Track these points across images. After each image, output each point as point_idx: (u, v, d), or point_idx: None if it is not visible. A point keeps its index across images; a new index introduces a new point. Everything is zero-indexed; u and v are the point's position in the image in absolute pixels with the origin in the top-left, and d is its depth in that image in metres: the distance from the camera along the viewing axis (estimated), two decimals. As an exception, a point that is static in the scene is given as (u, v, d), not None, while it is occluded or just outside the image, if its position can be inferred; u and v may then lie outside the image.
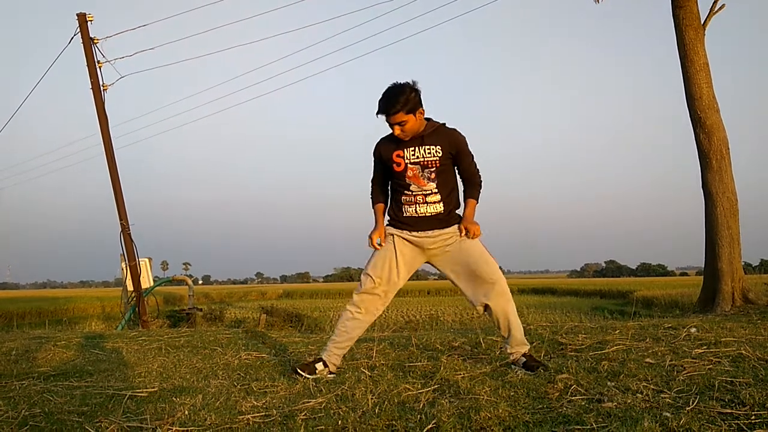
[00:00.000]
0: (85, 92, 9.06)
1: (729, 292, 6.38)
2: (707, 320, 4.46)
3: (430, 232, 2.93)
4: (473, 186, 3.05)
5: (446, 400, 2.31)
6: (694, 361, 2.75)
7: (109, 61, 9.05)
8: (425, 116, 2.92)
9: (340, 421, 2.08)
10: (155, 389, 2.82)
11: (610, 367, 2.72)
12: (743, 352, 2.86)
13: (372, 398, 2.40)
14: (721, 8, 6.90)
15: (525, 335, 3.03)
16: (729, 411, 1.94)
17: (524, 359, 2.90)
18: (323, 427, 2.05)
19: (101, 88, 9.01)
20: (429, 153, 2.88)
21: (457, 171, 3.03)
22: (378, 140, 3.06)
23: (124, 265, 9.49)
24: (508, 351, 2.96)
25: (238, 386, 2.84)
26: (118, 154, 9.15)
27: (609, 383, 2.43)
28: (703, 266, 7.14)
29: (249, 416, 2.23)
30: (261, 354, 3.81)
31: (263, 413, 2.27)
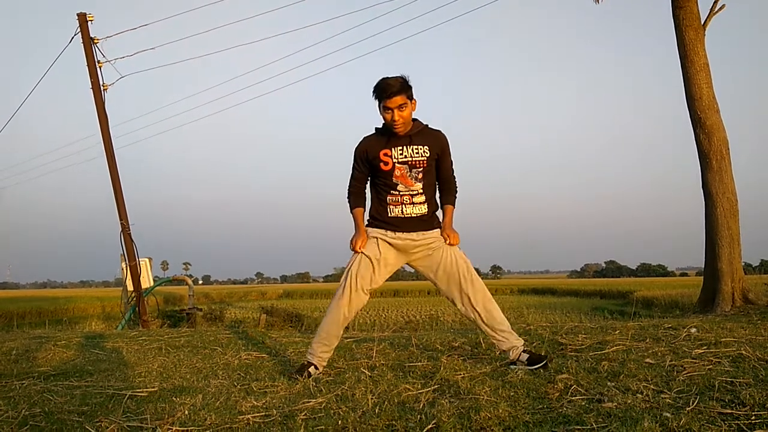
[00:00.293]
0: (85, 92, 9.08)
1: (729, 292, 6.38)
2: (707, 320, 4.46)
3: (414, 234, 2.93)
4: (450, 192, 3.05)
5: (446, 400, 2.31)
6: (694, 361, 2.75)
7: (109, 61, 9.06)
8: (412, 117, 2.92)
9: (340, 421, 2.08)
10: (155, 389, 2.82)
11: (610, 367, 2.72)
12: (743, 352, 2.86)
13: (372, 398, 2.40)
14: (721, 8, 6.90)
15: (525, 335, 3.03)
16: (729, 411, 1.94)
17: (527, 355, 2.90)
18: (323, 427, 2.05)
19: (101, 87, 9.01)
20: (417, 153, 2.87)
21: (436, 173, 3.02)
22: (361, 139, 3.01)
23: (124, 265, 9.50)
24: (504, 348, 2.95)
25: (238, 386, 2.84)
26: (118, 154, 9.17)
27: (609, 383, 2.43)
28: (703, 266, 7.14)
29: (249, 416, 2.23)
30: (261, 354, 3.81)
31: (263, 413, 2.27)
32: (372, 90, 2.85)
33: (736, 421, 1.84)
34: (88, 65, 8.94)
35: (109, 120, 9.07)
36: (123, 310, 11.17)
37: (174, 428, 2.14)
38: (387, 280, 3.14)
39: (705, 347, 3.08)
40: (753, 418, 1.86)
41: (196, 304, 16.08)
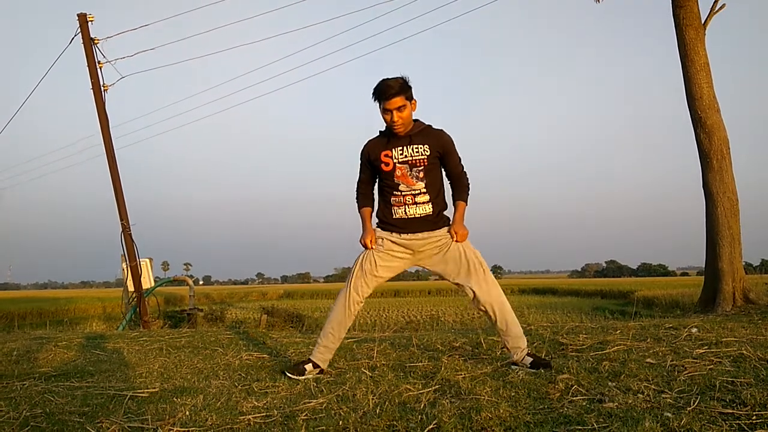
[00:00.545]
0: (85, 92, 9.09)
1: (730, 292, 6.37)
2: (708, 320, 4.45)
3: (419, 234, 2.93)
4: (461, 188, 3.05)
5: (447, 401, 2.31)
6: (695, 361, 2.75)
7: (109, 62, 9.06)
8: (413, 118, 2.93)
9: (341, 422, 2.08)
10: (156, 390, 2.83)
11: (611, 367, 2.72)
12: (744, 352, 2.86)
13: (373, 398, 2.40)
14: (721, 8, 6.89)
15: (526, 335, 3.03)
16: (730, 411, 1.94)
17: (531, 359, 2.90)
18: (324, 427, 2.05)
19: (102, 88, 9.02)
20: (417, 152, 2.89)
21: (444, 172, 3.03)
22: (365, 142, 3.06)
23: (124, 266, 9.50)
24: (510, 347, 2.95)
25: (239, 387, 2.84)
26: (118, 154, 9.17)
27: (610, 383, 2.43)
28: (703, 266, 7.14)
29: (250, 417, 2.24)
30: (262, 354, 3.81)
31: (264, 414, 2.28)
32: (372, 91, 2.87)
33: (737, 421, 1.84)
34: (88, 66, 8.94)
35: (109, 120, 9.08)
36: (124, 311, 11.18)
37: (175, 429, 2.14)
38: (389, 281, 3.16)
39: (706, 347, 3.08)
40: (754, 417, 1.86)
41: (196, 304, 16.09)
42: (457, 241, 2.93)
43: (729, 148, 6.65)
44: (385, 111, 2.84)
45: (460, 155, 3.02)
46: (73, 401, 2.63)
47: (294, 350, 3.94)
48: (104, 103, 9.01)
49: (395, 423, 2.05)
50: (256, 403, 2.43)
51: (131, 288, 9.46)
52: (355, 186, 3.16)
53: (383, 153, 2.93)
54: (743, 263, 6.74)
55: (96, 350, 4.29)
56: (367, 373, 2.95)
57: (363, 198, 3.14)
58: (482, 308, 2.95)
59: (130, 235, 9.00)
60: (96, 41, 8.99)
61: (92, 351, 4.26)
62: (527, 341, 3.02)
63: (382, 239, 2.98)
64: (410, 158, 2.88)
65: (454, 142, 2.99)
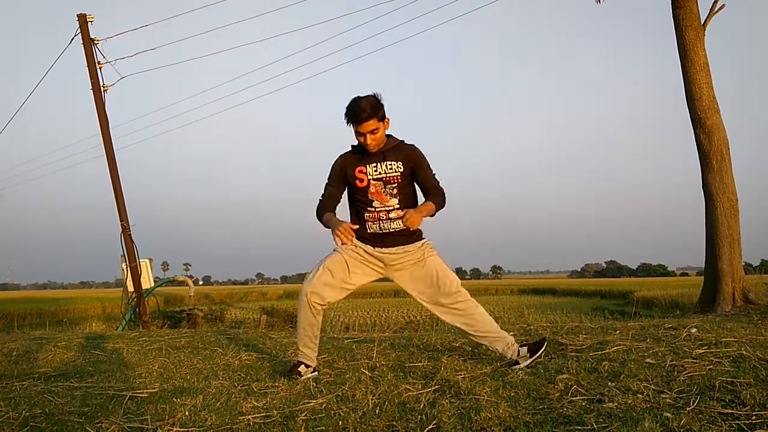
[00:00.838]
0: (85, 93, 9.09)
1: (729, 292, 6.38)
2: (708, 320, 4.45)
3: (393, 249, 2.95)
4: (437, 194, 2.94)
5: (447, 401, 2.31)
6: (695, 361, 2.75)
7: (109, 62, 9.06)
8: (386, 133, 2.93)
9: (340, 422, 2.08)
10: (156, 390, 2.83)
11: (611, 367, 2.72)
12: (744, 352, 2.86)
13: (372, 399, 2.40)
14: (721, 8, 6.90)
15: (525, 335, 3.04)
16: (730, 411, 1.94)
17: (525, 348, 2.96)
18: (324, 427, 2.05)
19: (101, 88, 9.02)
20: (391, 168, 2.89)
21: (417, 186, 3.00)
22: (337, 157, 3.02)
23: (124, 266, 9.50)
24: (500, 351, 2.99)
25: (239, 387, 2.84)
26: (118, 155, 9.17)
27: (609, 383, 2.43)
28: (703, 266, 7.15)
29: (249, 417, 2.23)
30: (261, 355, 3.81)
31: (264, 414, 2.28)
32: (344, 112, 2.83)
33: (737, 421, 1.84)
34: (88, 66, 8.94)
35: (109, 120, 9.08)
36: (123, 311, 11.19)
37: (174, 429, 2.14)
38: (386, 281, 3.16)
39: (705, 347, 3.08)
40: (754, 418, 1.86)
41: (196, 304, 16.09)
42: (405, 220, 2.78)
43: (729, 149, 6.65)
44: (358, 134, 2.84)
45: (433, 170, 2.99)
46: (73, 401, 2.63)
47: (293, 350, 3.94)
48: (104, 104, 9.01)
49: (395, 423, 2.05)
50: (255, 404, 2.43)
51: (131, 288, 9.46)
52: (317, 204, 3.03)
53: (357, 169, 2.92)
54: (743, 263, 6.75)
55: (95, 350, 4.28)
56: (367, 373, 2.96)
57: (324, 210, 3.02)
58: (454, 326, 3.02)
59: (130, 235, 9.01)
60: (96, 41, 9.00)
61: (92, 351, 4.25)
62: (526, 341, 3.04)
63: (356, 246, 2.96)
64: (384, 175, 2.89)
65: (425, 156, 2.98)
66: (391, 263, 2.97)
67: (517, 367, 2.90)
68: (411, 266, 2.98)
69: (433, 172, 2.99)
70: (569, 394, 2.31)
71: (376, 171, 2.90)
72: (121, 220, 8.96)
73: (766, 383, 2.27)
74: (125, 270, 9.48)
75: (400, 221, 2.89)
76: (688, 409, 1.98)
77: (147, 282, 10.82)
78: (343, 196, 3.06)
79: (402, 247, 2.95)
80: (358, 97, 2.83)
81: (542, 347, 2.98)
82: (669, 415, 1.92)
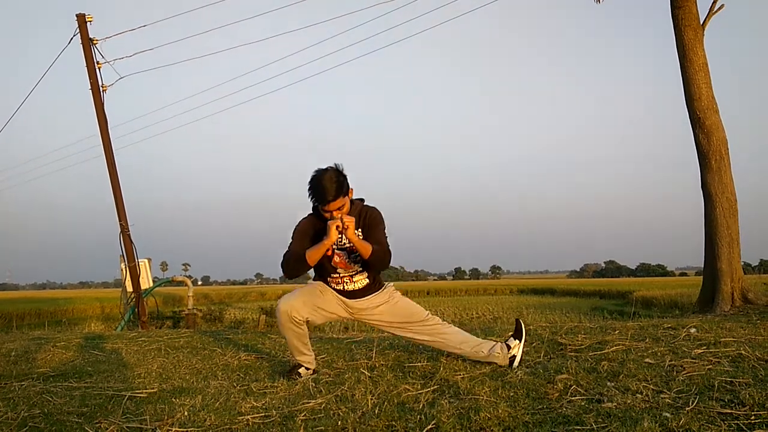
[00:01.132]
0: (84, 93, 9.07)
1: (728, 292, 6.38)
2: (707, 320, 4.46)
3: (360, 300, 3.01)
4: (380, 248, 2.86)
5: (446, 401, 2.31)
6: (694, 361, 2.76)
7: (108, 62, 9.05)
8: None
9: (339, 422, 2.08)
10: (155, 390, 2.82)
11: (610, 367, 2.72)
12: (743, 352, 2.86)
13: (372, 399, 2.40)
14: (720, 8, 6.90)
15: (525, 336, 3.05)
16: (729, 411, 1.94)
17: (510, 339, 3.00)
18: (323, 427, 2.05)
19: (100, 89, 9.01)
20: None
21: None
22: (300, 220, 2.97)
23: (123, 266, 9.49)
24: (490, 359, 2.97)
25: (238, 387, 2.84)
26: (117, 155, 9.16)
27: (609, 383, 2.43)
28: (702, 266, 7.15)
29: (248, 417, 2.23)
30: (260, 355, 3.81)
31: (263, 414, 2.27)
32: (308, 189, 2.79)
33: (736, 421, 1.84)
34: (87, 66, 8.93)
35: (108, 121, 9.08)
36: (122, 311, 11.18)
37: (173, 429, 2.14)
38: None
39: (704, 347, 3.08)
40: (752, 417, 1.86)
41: (195, 304, 16.09)
42: (342, 220, 2.70)
43: (728, 149, 6.66)
44: (324, 211, 2.82)
45: (387, 233, 2.96)
46: (72, 402, 2.63)
47: (293, 350, 3.94)
48: (103, 104, 9.00)
49: (394, 423, 2.05)
50: (254, 404, 2.43)
51: (130, 288, 9.46)
52: (284, 257, 2.89)
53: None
54: (742, 263, 6.75)
55: (94, 351, 4.28)
56: (366, 373, 2.96)
57: (299, 252, 2.87)
58: (435, 348, 3.12)
59: (129, 235, 9.00)
60: (95, 42, 8.99)
61: (91, 351, 4.25)
62: (526, 341, 3.04)
63: (329, 288, 3.01)
64: (349, 245, 2.89)
65: (382, 218, 2.97)
66: (358, 312, 3.04)
67: (516, 354, 2.94)
68: (379, 309, 3.03)
69: (386, 235, 2.96)
70: (568, 394, 2.32)
71: (340, 241, 2.90)
72: (120, 220, 8.95)
73: (765, 383, 2.28)
74: (124, 270, 9.47)
75: (362, 281, 2.98)
76: (687, 409, 1.98)
77: (146, 282, 10.82)
78: None
79: (366, 298, 3.01)
80: (321, 174, 2.76)
81: (522, 327, 3.05)
82: (668, 414, 1.93)
